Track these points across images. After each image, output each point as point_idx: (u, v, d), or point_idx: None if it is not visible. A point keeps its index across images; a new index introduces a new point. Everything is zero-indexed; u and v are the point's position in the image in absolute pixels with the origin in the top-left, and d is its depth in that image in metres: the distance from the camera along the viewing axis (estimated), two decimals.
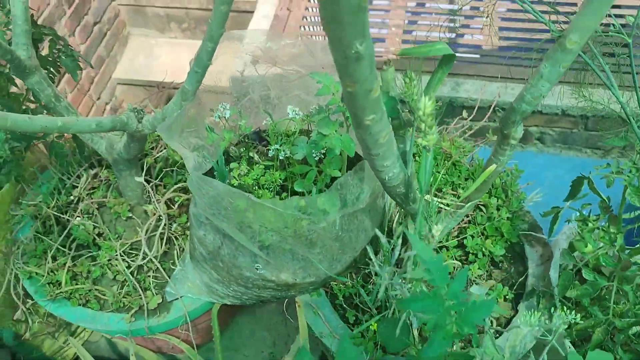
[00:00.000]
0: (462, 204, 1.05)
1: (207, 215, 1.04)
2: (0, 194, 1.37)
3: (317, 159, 1.10)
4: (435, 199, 1.08)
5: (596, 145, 2.30)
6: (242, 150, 1.23)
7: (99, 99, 2.80)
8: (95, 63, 2.75)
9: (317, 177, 1.13)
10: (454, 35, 2.37)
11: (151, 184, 1.36)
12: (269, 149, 1.16)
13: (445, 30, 2.38)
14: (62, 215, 1.33)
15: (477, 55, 2.26)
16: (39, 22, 2.27)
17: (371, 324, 1.14)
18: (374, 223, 1.16)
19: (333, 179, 1.12)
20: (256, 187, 1.15)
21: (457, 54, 2.30)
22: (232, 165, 1.19)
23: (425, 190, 0.87)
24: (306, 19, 2.44)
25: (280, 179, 1.16)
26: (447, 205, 1.10)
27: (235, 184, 1.12)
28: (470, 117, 1.63)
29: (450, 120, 2.27)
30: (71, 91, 2.54)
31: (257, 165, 1.15)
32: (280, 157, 1.12)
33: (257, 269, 1.10)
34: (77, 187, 1.38)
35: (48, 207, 1.33)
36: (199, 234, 1.15)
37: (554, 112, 2.15)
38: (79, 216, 1.32)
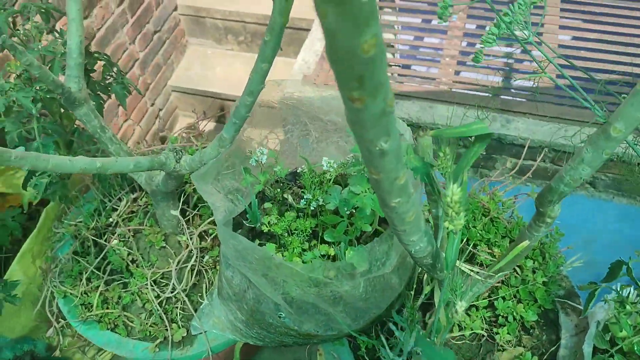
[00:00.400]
0: (492, 274, 1.02)
1: (233, 264, 1.05)
2: (45, 211, 1.42)
3: (348, 212, 1.09)
4: (465, 265, 1.05)
5: None
6: (277, 191, 1.24)
7: (153, 104, 2.88)
8: (152, 70, 2.83)
9: (348, 228, 1.12)
10: (508, 68, 2.32)
11: (187, 213, 1.38)
12: (303, 192, 1.16)
13: (500, 63, 2.33)
14: (99, 240, 1.37)
15: (530, 93, 2.20)
16: (102, 30, 2.35)
17: None
18: (402, 280, 1.14)
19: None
20: (286, 233, 1.15)
21: (511, 89, 2.24)
22: (266, 205, 1.20)
23: (451, 267, 0.85)
24: None
25: (311, 227, 1.15)
26: (479, 271, 1.08)
27: (265, 230, 1.13)
28: (519, 164, 1.58)
29: (498, 157, 2.22)
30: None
31: (288, 212, 1.15)
32: (312, 207, 1.12)
33: (280, 317, 1.10)
34: (116, 210, 1.42)
35: (87, 229, 1.37)
36: (227, 274, 1.16)
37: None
38: (115, 239, 1.36)
